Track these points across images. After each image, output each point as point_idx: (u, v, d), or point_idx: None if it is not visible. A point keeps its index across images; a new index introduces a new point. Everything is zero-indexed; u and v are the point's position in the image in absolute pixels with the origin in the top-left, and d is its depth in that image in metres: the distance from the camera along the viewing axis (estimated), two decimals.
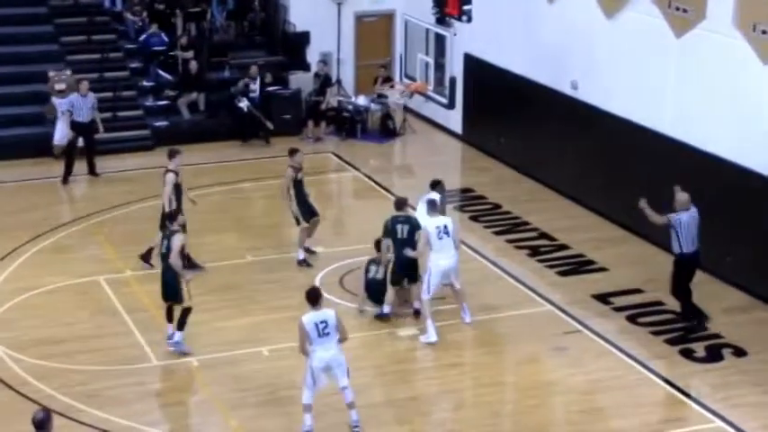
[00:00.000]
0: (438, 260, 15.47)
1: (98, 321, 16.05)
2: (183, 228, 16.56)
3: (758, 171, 16.46)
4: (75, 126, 21.54)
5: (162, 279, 15.00)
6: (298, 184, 17.55)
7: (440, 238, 15.45)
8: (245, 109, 23.59)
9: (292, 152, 17.73)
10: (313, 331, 12.79)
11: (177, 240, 14.71)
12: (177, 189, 17.28)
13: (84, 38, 24.57)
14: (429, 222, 15.66)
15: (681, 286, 15.69)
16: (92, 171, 21.77)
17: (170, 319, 15.12)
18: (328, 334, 12.82)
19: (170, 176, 17.21)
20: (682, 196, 15.53)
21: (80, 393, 14.05)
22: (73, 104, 21.59)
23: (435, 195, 16.54)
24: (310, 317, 12.84)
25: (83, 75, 23.36)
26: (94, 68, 24.03)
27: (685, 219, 15.41)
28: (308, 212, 17.71)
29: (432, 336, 15.46)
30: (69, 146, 21.61)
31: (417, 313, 15.97)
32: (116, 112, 23.59)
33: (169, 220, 15.21)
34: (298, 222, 17.66)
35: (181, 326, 14.93)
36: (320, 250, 18.09)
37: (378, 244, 16.22)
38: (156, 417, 13.90)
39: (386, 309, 16.00)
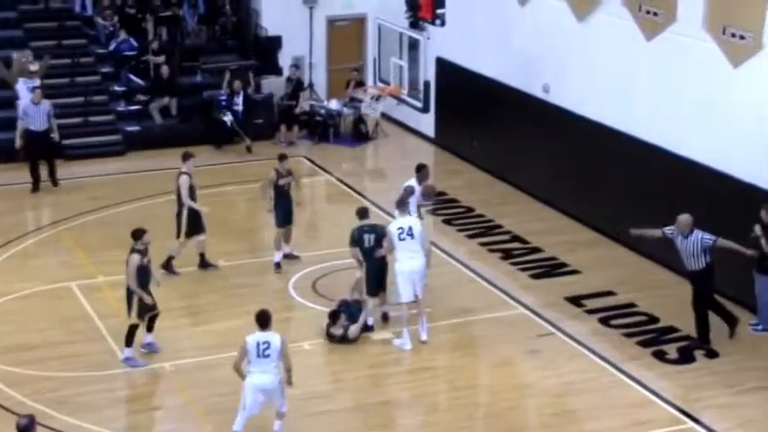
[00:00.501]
0: (401, 262, 15.37)
1: (70, 327, 15.95)
2: (200, 227, 17.22)
3: (729, 174, 16.55)
4: (30, 135, 20.92)
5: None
6: (278, 189, 17.54)
7: (401, 239, 15.29)
8: (229, 123, 23.56)
9: (281, 158, 17.80)
10: (253, 350, 12.60)
11: (134, 260, 14.54)
12: (191, 191, 17.26)
13: (54, 42, 24.44)
14: (392, 223, 15.71)
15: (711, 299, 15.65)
16: (53, 179, 21.19)
17: (148, 328, 15.04)
18: (268, 356, 12.61)
19: (184, 179, 17.17)
20: (685, 217, 15.31)
21: (51, 400, 13.95)
22: (27, 113, 20.94)
23: (413, 182, 16.78)
24: (255, 336, 12.70)
25: (54, 80, 23.31)
26: (65, 73, 23.93)
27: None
28: (281, 219, 17.69)
29: (406, 343, 15.43)
30: (28, 157, 21.04)
31: (386, 317, 15.96)
32: (87, 117, 23.49)
33: (133, 237, 14.75)
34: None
35: (128, 342, 14.79)
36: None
37: (333, 316, 15.75)
38: (128, 423, 13.83)
39: (370, 320, 15.91)
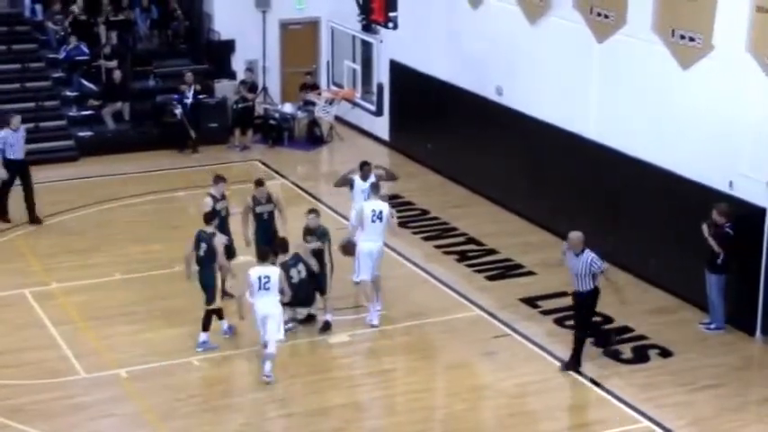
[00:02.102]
0: (364, 242, 15.95)
1: (24, 335, 15.81)
2: (231, 252, 16.35)
3: (679, 174, 16.73)
4: (10, 165, 19.50)
5: (201, 282, 15.33)
6: (257, 217, 16.68)
7: (372, 221, 15.89)
8: (179, 116, 23.42)
9: (257, 183, 16.80)
10: (255, 284, 14.26)
11: (220, 241, 15.23)
12: (215, 215, 16.16)
13: (4, 47, 24.22)
14: (366, 204, 16.10)
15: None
16: (32, 218, 19.64)
17: (219, 316, 15.52)
18: (268, 289, 14.28)
19: (206, 200, 16.37)
20: (576, 235, 14.73)
21: (5, 408, 13.82)
22: (6, 141, 19.46)
23: (356, 175, 17.04)
24: (257, 270, 14.33)
25: (4, 85, 23.09)
26: (16, 78, 23.72)
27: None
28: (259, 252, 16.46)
29: (374, 318, 16.03)
30: (4, 186, 19.69)
31: (327, 326, 16.00)
32: (39, 123, 23.29)
33: (205, 221, 15.38)
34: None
35: (205, 327, 15.28)
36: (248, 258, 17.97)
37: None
38: (84, 430, 13.69)
39: (314, 310, 16.10)
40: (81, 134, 23.59)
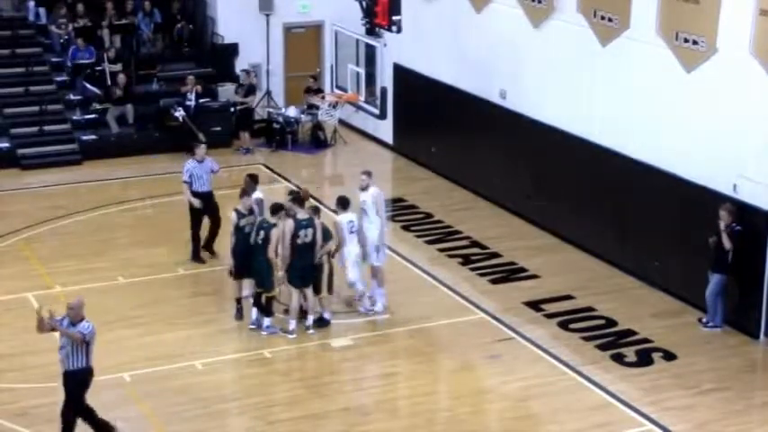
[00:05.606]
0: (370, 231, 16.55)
1: (27, 338, 15.74)
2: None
3: (684, 177, 16.71)
4: (197, 197, 18.05)
5: (254, 267, 15.68)
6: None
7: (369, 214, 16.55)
8: (181, 119, 23.42)
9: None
10: (346, 228, 16.01)
11: (275, 232, 15.47)
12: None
13: (8, 51, 24.26)
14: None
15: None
16: (208, 245, 18.29)
17: (268, 310, 15.82)
18: (353, 232, 16.11)
19: (231, 215, 16.07)
20: (77, 300, 12.99)
21: (9, 412, 13.83)
22: (191, 173, 18.01)
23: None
24: (345, 216, 16.14)
25: (8, 89, 23.10)
26: (20, 82, 23.75)
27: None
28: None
29: (378, 306, 16.51)
30: (194, 224, 18.31)
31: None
32: (43, 127, 23.32)
33: (272, 212, 15.70)
34: None
35: (269, 313, 15.74)
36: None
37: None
38: None
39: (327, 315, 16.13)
40: (85, 138, 23.63)
